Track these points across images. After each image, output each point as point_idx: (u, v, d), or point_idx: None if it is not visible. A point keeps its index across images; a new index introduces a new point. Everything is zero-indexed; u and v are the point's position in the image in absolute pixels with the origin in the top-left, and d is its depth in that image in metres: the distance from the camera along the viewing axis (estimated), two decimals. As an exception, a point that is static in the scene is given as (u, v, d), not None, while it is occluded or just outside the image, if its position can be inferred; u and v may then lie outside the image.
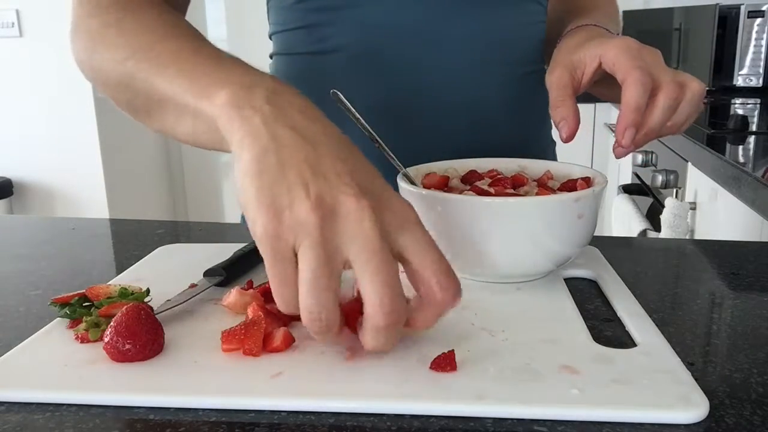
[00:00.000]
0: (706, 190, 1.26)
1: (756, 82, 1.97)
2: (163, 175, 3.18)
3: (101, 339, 0.43)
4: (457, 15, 0.69)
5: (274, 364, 0.42)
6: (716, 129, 1.39)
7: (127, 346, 0.42)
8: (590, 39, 0.63)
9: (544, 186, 0.58)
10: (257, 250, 0.59)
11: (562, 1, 0.79)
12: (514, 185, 0.57)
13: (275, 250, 0.39)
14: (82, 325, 0.46)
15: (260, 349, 0.43)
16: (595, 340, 0.45)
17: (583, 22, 0.70)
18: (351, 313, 0.41)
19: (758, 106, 1.82)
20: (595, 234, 0.56)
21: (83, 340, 0.45)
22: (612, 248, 0.64)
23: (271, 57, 0.80)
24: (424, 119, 0.71)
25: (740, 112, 1.74)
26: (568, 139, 0.58)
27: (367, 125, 0.56)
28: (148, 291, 0.51)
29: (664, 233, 1.33)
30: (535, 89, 0.75)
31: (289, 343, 0.44)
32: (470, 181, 0.60)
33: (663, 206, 1.37)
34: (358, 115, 0.56)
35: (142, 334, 0.42)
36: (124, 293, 0.49)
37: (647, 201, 1.70)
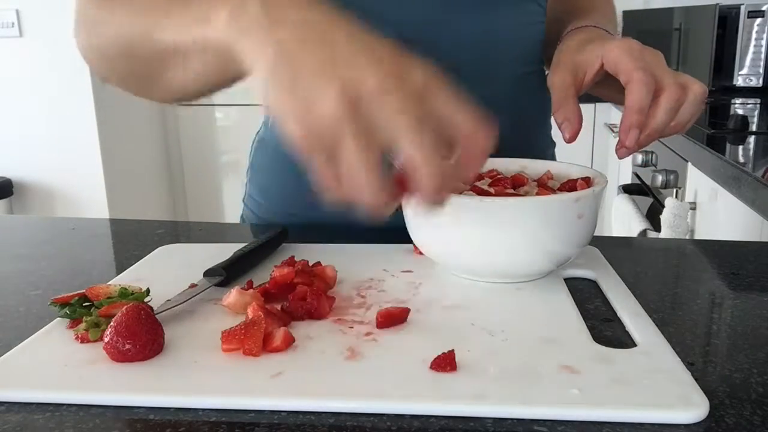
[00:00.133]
0: (706, 190, 1.26)
1: (756, 82, 1.97)
2: (163, 175, 3.18)
3: (101, 339, 0.43)
4: (457, 15, 0.69)
5: (274, 364, 0.42)
6: (716, 129, 1.39)
7: (127, 346, 0.42)
8: (591, 40, 0.63)
9: (544, 186, 0.58)
10: (257, 250, 0.60)
11: (561, 2, 0.79)
12: (514, 185, 0.57)
13: (317, 149, 0.40)
14: (82, 325, 0.46)
15: (260, 349, 0.43)
16: (595, 340, 0.45)
17: (582, 23, 0.70)
18: (400, 186, 0.42)
19: (758, 106, 1.82)
20: (595, 234, 0.56)
21: (83, 340, 0.45)
22: (612, 248, 0.64)
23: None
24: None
25: (740, 112, 1.74)
26: (571, 140, 0.58)
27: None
28: (148, 291, 0.51)
29: (664, 233, 1.33)
30: (534, 89, 0.75)
31: (289, 343, 0.44)
32: (470, 181, 0.60)
33: (663, 206, 1.37)
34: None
35: (142, 334, 0.42)
36: (124, 293, 0.49)
37: (647, 201, 1.70)
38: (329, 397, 0.38)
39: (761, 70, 1.96)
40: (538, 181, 0.60)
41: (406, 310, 0.48)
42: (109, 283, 0.54)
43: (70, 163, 2.68)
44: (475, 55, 0.71)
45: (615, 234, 1.74)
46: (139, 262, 0.62)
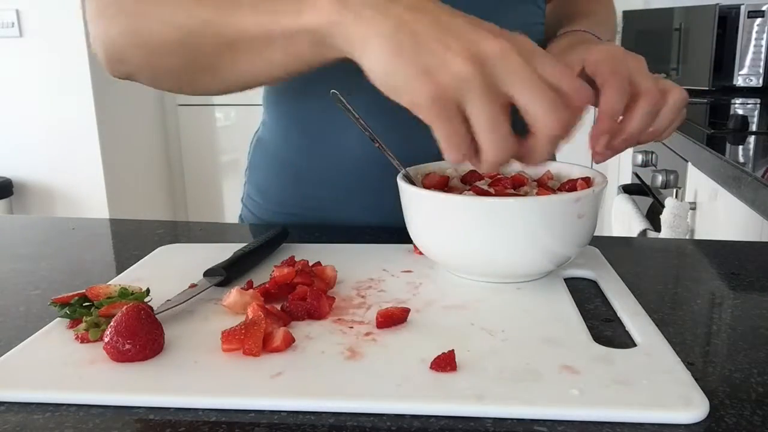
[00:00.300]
0: (706, 190, 1.26)
1: (756, 82, 1.97)
2: (163, 175, 3.18)
3: (101, 339, 0.43)
4: None
5: (274, 364, 0.42)
6: (716, 129, 1.39)
7: (127, 346, 0.42)
8: (576, 44, 0.64)
9: (544, 186, 0.58)
10: (257, 250, 0.60)
11: (560, 6, 0.80)
12: (514, 185, 0.57)
13: (444, 111, 0.43)
14: (82, 325, 0.46)
15: (260, 349, 0.43)
16: (595, 340, 0.45)
17: (573, 27, 0.70)
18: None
19: (758, 106, 1.82)
20: (595, 234, 0.56)
21: (83, 340, 0.45)
22: (612, 248, 0.64)
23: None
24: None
25: (740, 112, 1.74)
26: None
27: (366, 125, 0.56)
28: (148, 291, 0.51)
29: (664, 233, 1.33)
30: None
31: (289, 343, 0.44)
32: (470, 181, 0.60)
33: (663, 206, 1.37)
34: (357, 115, 0.56)
35: (142, 334, 0.42)
36: (124, 293, 0.49)
37: (647, 201, 1.70)
38: (329, 397, 0.38)
39: (761, 70, 1.96)
40: (538, 181, 0.60)
41: (406, 310, 0.48)
42: (109, 283, 0.54)
43: (70, 163, 2.68)
44: None
45: (615, 234, 1.74)
46: (139, 262, 0.62)
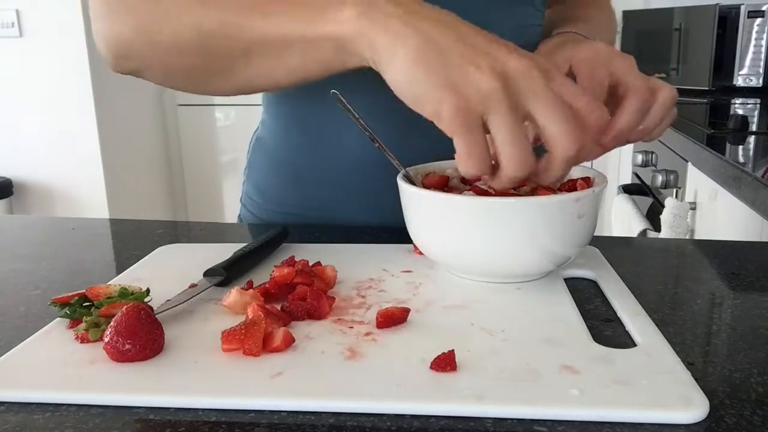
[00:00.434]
0: (706, 190, 1.26)
1: (756, 82, 1.97)
2: (163, 175, 3.18)
3: (101, 339, 0.43)
4: None
5: (274, 364, 0.42)
6: (716, 129, 1.39)
7: (127, 346, 0.42)
8: (565, 43, 0.64)
9: (544, 186, 0.58)
10: (257, 250, 0.60)
11: (557, 11, 0.80)
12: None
13: (468, 122, 0.44)
14: (82, 325, 0.46)
15: (260, 349, 0.43)
16: (595, 340, 0.45)
17: (565, 29, 0.70)
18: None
19: (758, 106, 1.82)
20: (595, 234, 0.56)
21: (83, 340, 0.45)
22: (612, 248, 0.64)
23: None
24: (424, 119, 0.71)
25: (740, 112, 1.74)
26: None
27: (366, 125, 0.56)
28: (148, 291, 0.51)
29: (664, 233, 1.33)
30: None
31: (289, 343, 0.44)
32: (470, 181, 0.60)
33: (663, 206, 1.37)
34: (357, 116, 0.56)
35: (142, 334, 0.42)
36: (124, 293, 0.49)
37: (647, 201, 1.70)
38: (329, 397, 0.38)
39: (761, 70, 1.96)
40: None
41: (406, 310, 0.48)
42: (109, 283, 0.54)
43: (70, 163, 2.68)
44: None
45: (615, 234, 1.74)
46: (139, 262, 0.62)
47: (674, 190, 1.44)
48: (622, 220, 1.66)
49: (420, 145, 0.67)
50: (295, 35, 0.51)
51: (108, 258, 0.68)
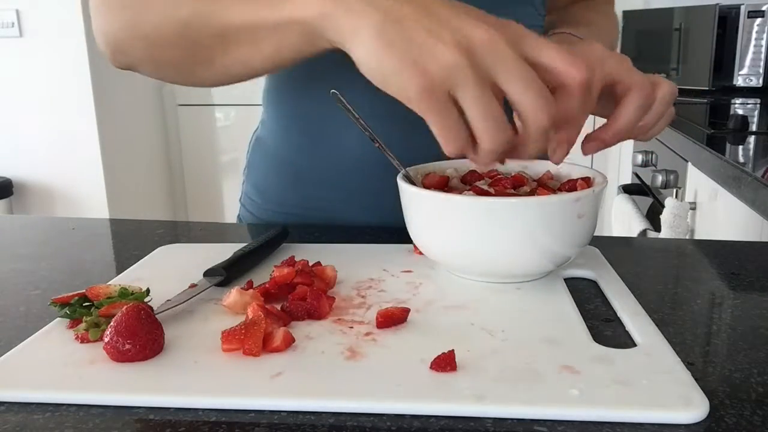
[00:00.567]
0: (706, 190, 1.26)
1: (756, 82, 1.97)
2: (163, 175, 3.18)
3: (101, 339, 0.43)
4: None
5: (274, 364, 0.42)
6: (716, 129, 1.39)
7: (127, 346, 0.42)
8: (559, 43, 0.64)
9: (544, 186, 0.58)
10: (257, 250, 0.60)
11: (559, 16, 0.79)
12: (514, 185, 0.57)
13: (437, 101, 0.43)
14: (82, 325, 0.46)
15: (260, 349, 0.43)
16: (595, 340, 0.45)
17: (560, 30, 0.70)
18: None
19: (758, 106, 1.82)
20: (595, 234, 0.56)
21: (83, 340, 0.45)
22: (612, 248, 0.64)
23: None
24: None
25: (740, 112, 1.74)
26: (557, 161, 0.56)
27: (366, 125, 0.56)
28: (148, 291, 0.51)
29: (664, 233, 1.33)
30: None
31: (289, 343, 0.44)
32: (470, 181, 0.60)
33: (663, 206, 1.37)
34: (357, 115, 0.56)
35: (142, 334, 0.42)
36: (124, 293, 0.49)
37: (647, 201, 1.70)
38: (329, 397, 0.38)
39: (761, 70, 1.96)
40: (538, 181, 0.60)
41: (406, 310, 0.48)
42: (109, 283, 0.54)
43: (70, 163, 2.68)
44: None
45: (615, 234, 1.74)
46: (139, 262, 0.62)
47: (674, 190, 1.44)
48: (622, 220, 1.66)
49: (420, 145, 0.67)
50: (265, 21, 0.51)
51: (108, 258, 0.68)
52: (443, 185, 0.59)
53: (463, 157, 0.48)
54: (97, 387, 0.40)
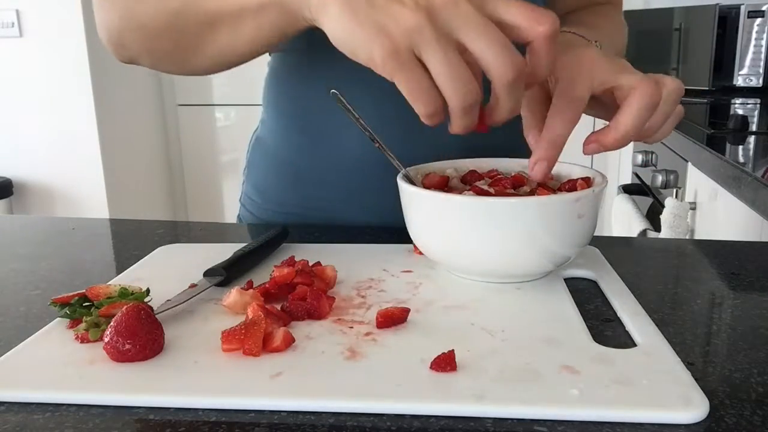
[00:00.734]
0: (706, 190, 1.26)
1: (756, 82, 1.97)
2: (163, 175, 3.18)
3: (101, 339, 0.43)
4: None
5: (274, 364, 0.42)
6: (716, 129, 1.39)
7: (127, 346, 0.42)
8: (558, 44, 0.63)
9: (544, 186, 0.58)
10: (257, 250, 0.60)
11: (566, 19, 0.79)
12: (514, 185, 0.57)
13: (401, 63, 0.44)
14: (82, 325, 0.46)
15: (260, 349, 0.43)
16: (595, 340, 0.45)
17: (565, 29, 0.70)
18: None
19: (758, 106, 1.82)
20: (595, 234, 0.56)
21: (83, 340, 0.45)
22: (612, 248, 0.64)
23: (270, 54, 0.80)
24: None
25: (740, 112, 1.74)
26: (540, 178, 0.54)
27: (366, 125, 0.56)
28: (148, 291, 0.51)
29: (664, 233, 1.33)
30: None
31: (289, 343, 0.44)
32: (470, 181, 0.60)
33: (663, 206, 1.37)
34: (357, 115, 0.56)
35: (142, 334, 0.42)
36: (124, 293, 0.49)
37: (647, 201, 1.70)
38: (329, 397, 0.38)
39: (761, 70, 1.96)
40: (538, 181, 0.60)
41: (406, 310, 0.48)
42: (109, 283, 0.54)
43: (70, 163, 2.68)
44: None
45: (615, 234, 1.74)
46: (139, 262, 0.62)
47: (674, 190, 1.44)
48: (622, 220, 1.66)
49: (420, 145, 0.67)
50: (247, 4, 0.53)
51: (108, 258, 0.68)
52: (443, 185, 0.59)
53: (442, 124, 0.47)
54: (97, 387, 0.40)
